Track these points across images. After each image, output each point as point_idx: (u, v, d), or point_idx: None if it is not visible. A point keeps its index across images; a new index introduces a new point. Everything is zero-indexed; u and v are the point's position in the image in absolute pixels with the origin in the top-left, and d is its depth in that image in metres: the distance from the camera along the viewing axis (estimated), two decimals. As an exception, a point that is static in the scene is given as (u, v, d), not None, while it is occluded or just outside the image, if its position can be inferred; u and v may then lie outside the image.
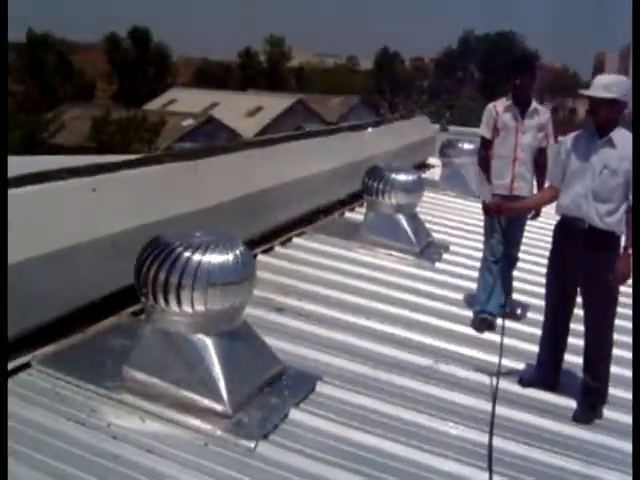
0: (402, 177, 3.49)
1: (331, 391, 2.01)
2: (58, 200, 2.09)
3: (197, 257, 1.79)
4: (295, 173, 3.56)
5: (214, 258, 1.81)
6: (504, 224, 2.66)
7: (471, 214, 4.44)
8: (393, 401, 2.03)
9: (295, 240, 3.41)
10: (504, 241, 2.69)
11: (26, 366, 1.90)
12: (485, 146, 2.82)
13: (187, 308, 1.78)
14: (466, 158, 5.04)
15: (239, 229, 3.01)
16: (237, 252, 1.85)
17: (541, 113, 2.79)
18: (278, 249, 3.25)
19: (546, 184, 2.55)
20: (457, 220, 4.25)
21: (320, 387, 2.01)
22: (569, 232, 2.27)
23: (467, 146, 5.12)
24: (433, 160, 6.13)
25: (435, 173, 5.53)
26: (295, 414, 1.87)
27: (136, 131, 18.89)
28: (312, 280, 2.91)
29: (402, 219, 3.47)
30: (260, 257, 3.07)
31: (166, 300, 1.77)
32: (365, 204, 3.64)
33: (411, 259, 3.34)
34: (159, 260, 1.78)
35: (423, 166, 5.89)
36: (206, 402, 1.78)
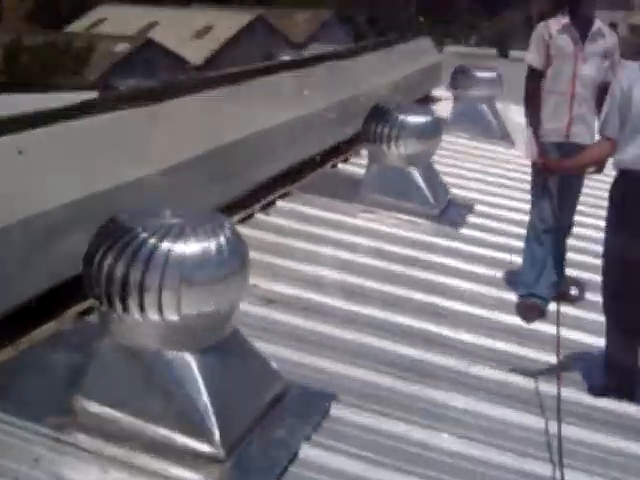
0: (415, 119, 3.27)
1: (350, 414, 1.82)
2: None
3: (166, 245, 1.55)
4: (274, 117, 3.33)
5: (190, 246, 1.57)
6: (557, 183, 2.48)
7: (494, 162, 4.27)
8: (432, 424, 1.87)
9: (279, 204, 3.21)
10: (558, 205, 2.52)
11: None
12: (534, 79, 2.62)
13: (153, 315, 1.55)
14: (484, 89, 4.87)
15: (209, 193, 2.82)
16: (222, 236, 1.63)
17: (607, 35, 2.59)
18: (259, 216, 3.04)
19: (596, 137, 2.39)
20: (477, 170, 4.06)
21: (335, 409, 1.83)
22: (635, 191, 2.14)
23: (485, 74, 4.93)
24: (439, 92, 5.93)
25: (443, 109, 5.32)
26: (307, 451, 1.68)
27: (58, 60, 18.37)
28: (305, 258, 2.71)
29: (415, 173, 3.27)
30: (238, 228, 2.87)
31: (125, 305, 1.54)
32: (367, 154, 3.43)
33: (428, 224, 3.15)
34: (115, 251, 1.54)
35: (426, 100, 5.68)
36: (190, 443, 1.57)
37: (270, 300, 2.37)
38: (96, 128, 2.22)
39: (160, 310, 1.56)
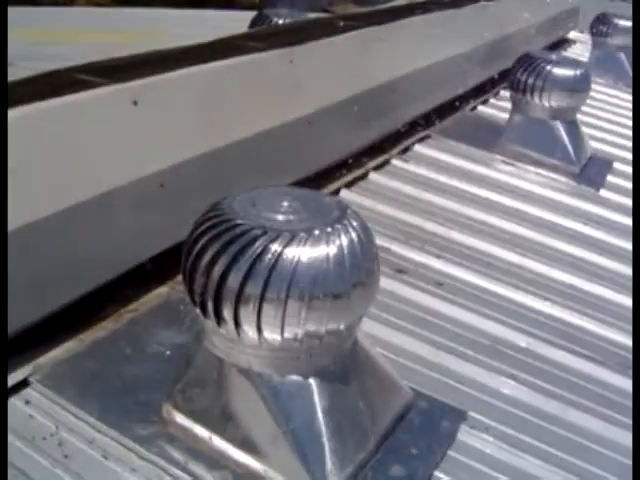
0: (564, 71, 2.52)
1: (483, 444, 1.24)
2: (78, 121, 1.30)
3: (291, 252, 0.97)
4: (418, 60, 2.65)
5: (315, 251, 0.98)
6: None
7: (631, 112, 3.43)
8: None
9: (417, 148, 2.56)
10: None
11: (23, 384, 1.21)
12: None
13: (273, 335, 0.99)
14: (624, 38, 3.98)
15: (349, 138, 2.21)
16: (353, 237, 1.04)
17: None
18: (395, 163, 2.41)
19: None
20: (616, 122, 3.25)
21: (466, 435, 1.26)
22: None
23: (627, 23, 4.02)
24: (574, 34, 5.00)
25: (577, 53, 4.44)
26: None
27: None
28: (443, 216, 2.07)
29: (560, 127, 2.54)
30: (372, 175, 2.26)
31: (237, 323, 1.00)
32: (510, 101, 2.70)
33: (568, 182, 2.45)
34: (223, 256, 0.96)
35: (562, 43, 4.78)
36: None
37: (401, 270, 1.76)
38: (224, 73, 1.62)
39: (281, 329, 0.98)
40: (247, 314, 0.99)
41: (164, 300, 1.42)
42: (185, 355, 1.17)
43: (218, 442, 1.08)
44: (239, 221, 1.00)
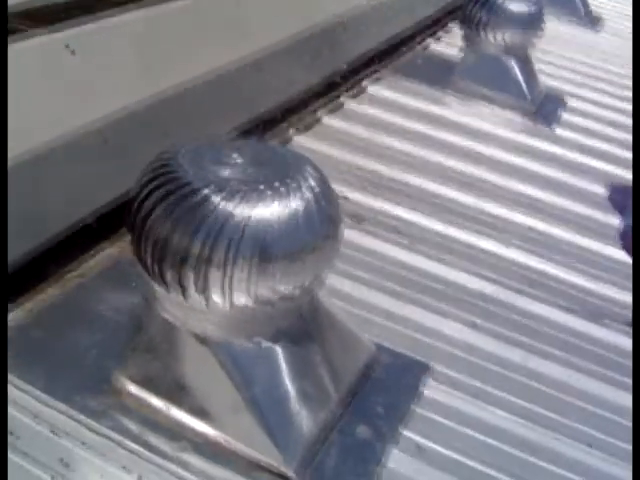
0: (517, 7, 2.46)
1: (448, 398, 1.20)
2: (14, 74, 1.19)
3: (242, 211, 0.89)
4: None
5: (271, 210, 0.91)
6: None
7: (585, 48, 3.39)
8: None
9: (370, 88, 2.47)
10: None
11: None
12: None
13: (221, 299, 0.91)
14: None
15: (295, 75, 2.12)
16: (310, 194, 0.95)
17: None
18: (348, 103, 2.32)
19: None
20: (569, 58, 3.20)
21: (430, 389, 1.20)
22: None
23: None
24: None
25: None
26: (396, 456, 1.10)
27: None
28: (399, 159, 2.01)
29: (514, 64, 2.48)
30: (325, 119, 2.18)
31: (183, 286, 0.94)
32: (462, 38, 2.62)
33: (524, 122, 2.41)
34: (171, 214, 0.90)
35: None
36: (254, 454, 0.97)
37: (359, 217, 1.71)
38: (165, 15, 1.51)
39: (229, 293, 0.91)
40: (193, 278, 0.92)
41: (113, 262, 1.34)
42: (136, 320, 1.10)
43: (175, 412, 1.03)
44: (186, 178, 0.92)
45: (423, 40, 3.03)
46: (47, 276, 1.30)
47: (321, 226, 0.95)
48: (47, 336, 1.16)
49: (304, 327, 1.05)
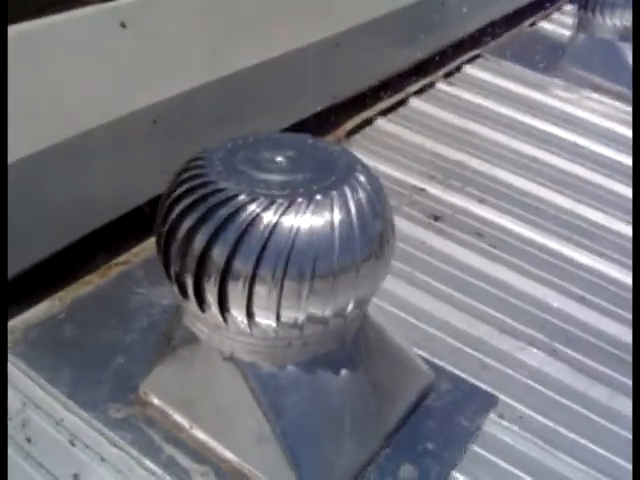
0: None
1: (511, 437, 1.05)
2: (51, 49, 1.10)
3: (269, 224, 0.77)
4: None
5: (306, 224, 0.78)
6: None
7: None
8: None
9: (466, 69, 2.28)
10: None
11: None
12: None
13: (267, 320, 0.80)
14: None
15: (383, 58, 1.97)
16: (356, 207, 0.81)
17: None
18: (440, 86, 2.15)
19: None
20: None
21: (493, 425, 1.07)
22: None
23: None
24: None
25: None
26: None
27: None
28: (490, 151, 1.83)
29: (629, 52, 2.23)
30: (413, 101, 2.01)
31: (223, 306, 0.80)
32: (577, 20, 2.38)
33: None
34: (200, 225, 0.77)
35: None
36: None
37: (438, 217, 1.55)
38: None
39: (277, 313, 0.79)
40: (235, 296, 0.80)
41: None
42: (167, 324, 1.00)
43: (199, 433, 0.93)
44: (217, 184, 0.81)
45: (532, 18, 2.79)
46: (92, 264, 1.23)
47: (363, 245, 0.82)
48: (79, 333, 1.08)
49: (346, 354, 0.92)
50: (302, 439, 0.88)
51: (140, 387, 0.98)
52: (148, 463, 0.92)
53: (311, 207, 0.79)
